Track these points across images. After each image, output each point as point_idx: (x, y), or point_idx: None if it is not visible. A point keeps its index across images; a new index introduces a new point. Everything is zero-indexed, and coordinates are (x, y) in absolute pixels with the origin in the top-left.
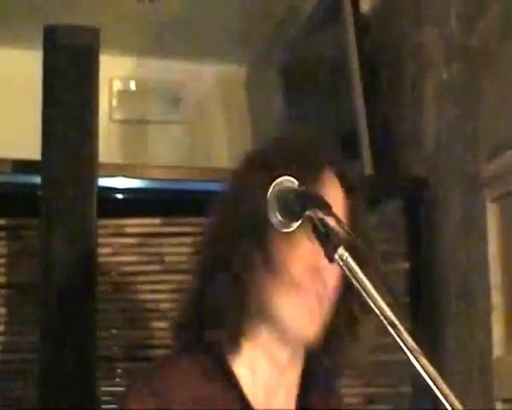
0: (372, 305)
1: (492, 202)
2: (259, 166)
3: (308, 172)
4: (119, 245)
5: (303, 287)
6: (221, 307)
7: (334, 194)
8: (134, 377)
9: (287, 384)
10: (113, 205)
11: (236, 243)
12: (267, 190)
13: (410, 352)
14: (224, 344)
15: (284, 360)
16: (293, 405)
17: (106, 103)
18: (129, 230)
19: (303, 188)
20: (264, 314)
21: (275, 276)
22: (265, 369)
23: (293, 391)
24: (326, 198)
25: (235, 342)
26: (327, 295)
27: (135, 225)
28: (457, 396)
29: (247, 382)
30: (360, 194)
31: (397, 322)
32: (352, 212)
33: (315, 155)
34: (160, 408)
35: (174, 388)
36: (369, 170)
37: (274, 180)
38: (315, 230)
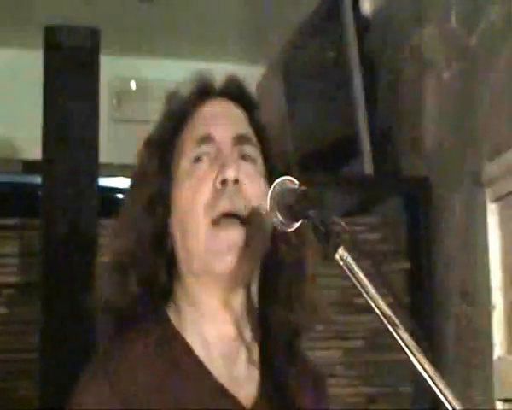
0: (372, 305)
1: (493, 201)
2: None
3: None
4: None
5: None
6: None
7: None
8: (86, 368)
9: (245, 347)
10: (113, 205)
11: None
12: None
13: (411, 352)
14: (170, 313)
15: (218, 306)
16: (255, 372)
17: (106, 103)
18: None
19: (303, 188)
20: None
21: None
22: (209, 328)
23: (254, 357)
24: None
25: (169, 302)
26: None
27: None
28: (457, 396)
29: (199, 348)
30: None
31: (397, 322)
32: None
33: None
34: (116, 390)
35: (129, 367)
36: (369, 170)
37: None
38: (315, 230)
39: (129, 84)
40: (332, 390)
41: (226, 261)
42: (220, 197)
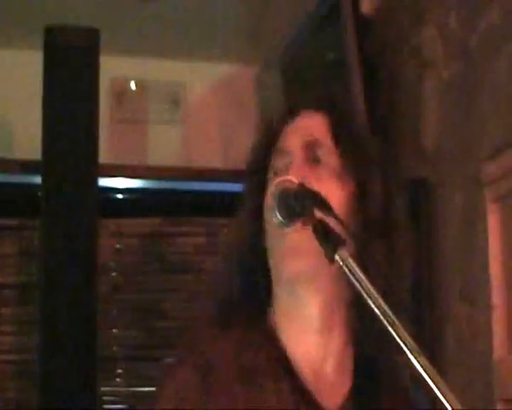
0: (372, 305)
1: (493, 202)
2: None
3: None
4: (120, 245)
5: None
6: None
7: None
8: (178, 351)
9: (334, 352)
10: (113, 205)
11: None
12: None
13: (411, 352)
14: (268, 317)
15: (313, 314)
16: (346, 382)
17: (106, 104)
18: (129, 230)
19: (303, 188)
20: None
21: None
22: (302, 331)
23: (346, 366)
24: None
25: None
26: None
27: (135, 225)
28: (458, 396)
29: (292, 351)
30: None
31: (397, 322)
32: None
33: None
34: (202, 376)
35: (218, 355)
36: None
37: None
38: (315, 230)
39: (128, 84)
40: None
41: (292, 265)
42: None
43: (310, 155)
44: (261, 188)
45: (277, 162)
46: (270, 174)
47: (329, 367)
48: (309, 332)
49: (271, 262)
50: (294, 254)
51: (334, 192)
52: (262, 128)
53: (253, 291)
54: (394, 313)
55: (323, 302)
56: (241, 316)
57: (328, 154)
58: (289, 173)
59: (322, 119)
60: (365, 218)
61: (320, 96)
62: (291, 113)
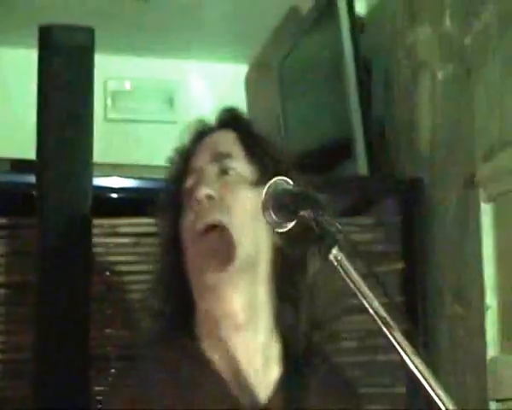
0: (366, 305)
1: (487, 202)
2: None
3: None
4: (114, 245)
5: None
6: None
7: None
8: (110, 382)
9: (260, 345)
10: (107, 204)
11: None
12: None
13: (405, 352)
14: (195, 330)
15: (236, 310)
16: (275, 370)
17: (100, 103)
18: (123, 229)
19: (298, 188)
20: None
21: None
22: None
23: (273, 358)
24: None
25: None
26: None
27: (129, 224)
28: (451, 396)
29: (219, 363)
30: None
31: (391, 322)
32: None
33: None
34: (140, 397)
35: (150, 376)
36: (363, 171)
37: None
38: (309, 230)
39: (123, 83)
40: None
41: (210, 275)
42: (198, 216)
43: (219, 167)
44: (176, 213)
45: (188, 181)
46: (184, 196)
47: (257, 362)
48: (234, 329)
49: (192, 274)
50: (213, 262)
51: (248, 199)
52: (175, 152)
53: (177, 310)
54: (388, 313)
55: (245, 299)
56: (167, 336)
57: (238, 163)
58: (201, 188)
59: (229, 133)
60: None
61: (224, 115)
62: (201, 134)
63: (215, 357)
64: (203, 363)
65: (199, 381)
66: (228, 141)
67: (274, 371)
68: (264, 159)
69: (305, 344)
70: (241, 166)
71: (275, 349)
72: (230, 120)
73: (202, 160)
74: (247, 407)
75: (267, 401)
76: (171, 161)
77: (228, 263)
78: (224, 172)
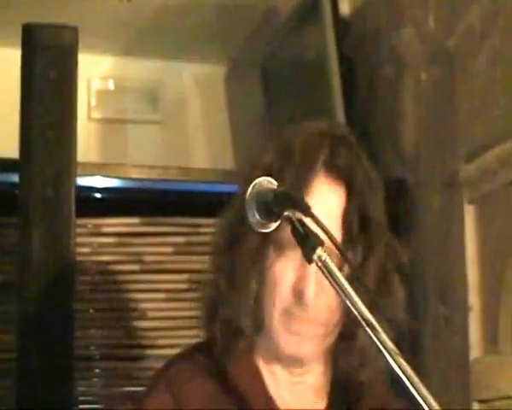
0: (350, 306)
1: (470, 203)
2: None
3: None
4: (98, 245)
5: (288, 310)
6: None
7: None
8: (152, 376)
9: (314, 379)
10: (91, 204)
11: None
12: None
13: (388, 352)
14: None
15: (285, 375)
16: (322, 402)
17: (84, 102)
18: (107, 229)
19: (282, 188)
20: (261, 330)
21: (269, 293)
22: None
23: (324, 386)
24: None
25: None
26: (317, 319)
27: (113, 224)
28: (435, 397)
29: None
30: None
31: (374, 323)
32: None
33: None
34: (177, 404)
35: (187, 384)
36: None
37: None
38: (293, 230)
39: (107, 83)
40: None
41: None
42: (294, 316)
43: None
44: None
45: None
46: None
47: (310, 389)
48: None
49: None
50: (303, 338)
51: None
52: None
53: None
54: (371, 314)
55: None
56: (221, 348)
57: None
58: (305, 287)
59: (337, 202)
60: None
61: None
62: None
63: (269, 375)
64: (256, 378)
65: (249, 397)
66: (334, 216)
67: (323, 402)
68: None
69: (353, 382)
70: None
71: (326, 383)
72: (341, 168)
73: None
74: None
75: None
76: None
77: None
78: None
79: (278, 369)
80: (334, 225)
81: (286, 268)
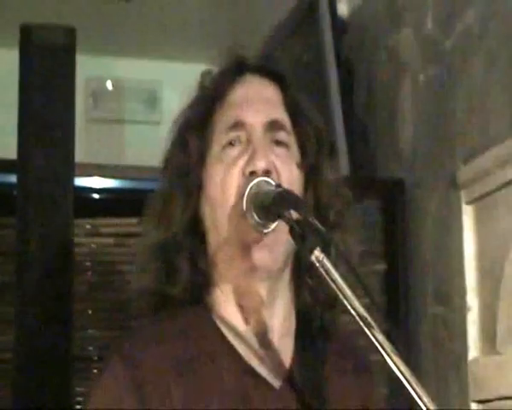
0: (348, 306)
1: (468, 203)
2: None
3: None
4: (96, 245)
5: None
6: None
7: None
8: (108, 347)
9: (279, 317)
10: (89, 205)
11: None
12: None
13: (386, 353)
14: (209, 297)
15: (263, 292)
16: (290, 343)
17: (82, 103)
18: (105, 230)
19: (280, 189)
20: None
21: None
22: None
23: (290, 328)
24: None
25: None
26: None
27: (111, 225)
28: (433, 397)
29: (229, 326)
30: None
31: (373, 323)
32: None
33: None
34: (132, 372)
35: (147, 348)
36: (345, 171)
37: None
38: (291, 231)
39: (105, 83)
40: None
41: (259, 256)
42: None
43: (272, 137)
44: (200, 150)
45: (231, 134)
46: (215, 141)
47: (275, 335)
48: (255, 307)
49: (214, 239)
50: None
51: (297, 176)
52: (204, 79)
53: (189, 275)
54: (370, 314)
55: (272, 279)
56: (174, 305)
57: (289, 138)
58: (256, 156)
59: (276, 93)
60: (317, 203)
61: (266, 63)
62: (237, 71)
63: (230, 330)
64: (214, 333)
65: (213, 354)
66: (278, 104)
67: (289, 346)
68: (311, 138)
69: (319, 322)
70: (291, 140)
71: (291, 325)
72: (275, 71)
73: (252, 118)
74: (268, 379)
75: (286, 374)
76: (200, 82)
77: (271, 252)
78: (276, 143)
79: (236, 319)
80: (281, 112)
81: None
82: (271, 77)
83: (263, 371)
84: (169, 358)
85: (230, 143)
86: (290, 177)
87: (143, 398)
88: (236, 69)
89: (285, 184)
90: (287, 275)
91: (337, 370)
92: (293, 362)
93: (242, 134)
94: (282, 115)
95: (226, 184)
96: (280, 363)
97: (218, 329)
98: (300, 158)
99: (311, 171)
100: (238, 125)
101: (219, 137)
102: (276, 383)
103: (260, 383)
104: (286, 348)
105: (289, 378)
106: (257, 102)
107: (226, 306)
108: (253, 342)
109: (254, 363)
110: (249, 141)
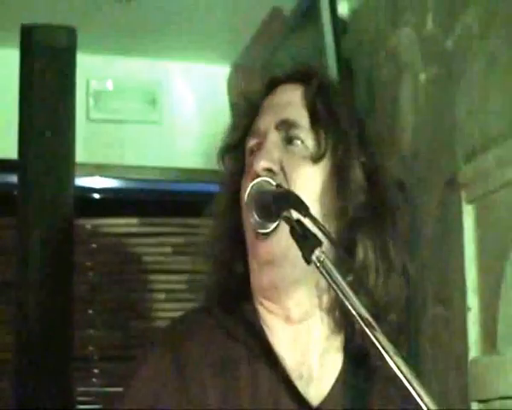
0: (349, 306)
1: (469, 203)
2: None
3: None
4: (96, 245)
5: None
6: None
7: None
8: (155, 333)
9: (317, 339)
10: (90, 205)
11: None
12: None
13: (387, 352)
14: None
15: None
16: (333, 371)
17: (83, 103)
18: (106, 230)
19: (281, 189)
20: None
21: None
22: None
23: (334, 354)
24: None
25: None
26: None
27: (112, 224)
28: (433, 397)
29: (274, 341)
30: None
31: (373, 323)
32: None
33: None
34: (174, 355)
35: (190, 338)
36: None
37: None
38: (292, 231)
39: (106, 83)
40: None
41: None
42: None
43: (283, 136)
44: (240, 167)
45: (250, 142)
46: (246, 154)
47: (314, 356)
48: (289, 321)
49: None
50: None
51: (310, 176)
52: (240, 105)
53: (231, 281)
54: (370, 314)
55: (303, 291)
56: (218, 307)
57: (304, 134)
58: (260, 160)
59: (298, 95)
60: (343, 205)
61: (297, 69)
62: (269, 87)
63: (274, 342)
64: (260, 337)
65: (253, 359)
66: (297, 104)
67: (337, 363)
68: (330, 129)
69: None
70: (307, 136)
71: (337, 344)
72: (301, 73)
73: (266, 122)
74: (309, 396)
75: (326, 394)
76: (236, 106)
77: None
78: (288, 141)
79: (278, 323)
80: (297, 111)
81: None
82: (300, 80)
83: (301, 385)
84: (208, 354)
85: (252, 151)
86: (300, 176)
87: (183, 383)
88: (268, 85)
89: (293, 184)
90: (320, 293)
91: (383, 397)
92: (337, 382)
93: (259, 140)
94: (295, 114)
95: (243, 189)
96: (321, 379)
97: (264, 333)
98: (318, 156)
99: (335, 170)
100: (255, 132)
101: (247, 148)
102: (314, 401)
103: (294, 399)
104: (332, 365)
105: (329, 399)
106: (273, 107)
107: (265, 314)
108: (296, 351)
109: (295, 375)
110: (261, 145)
